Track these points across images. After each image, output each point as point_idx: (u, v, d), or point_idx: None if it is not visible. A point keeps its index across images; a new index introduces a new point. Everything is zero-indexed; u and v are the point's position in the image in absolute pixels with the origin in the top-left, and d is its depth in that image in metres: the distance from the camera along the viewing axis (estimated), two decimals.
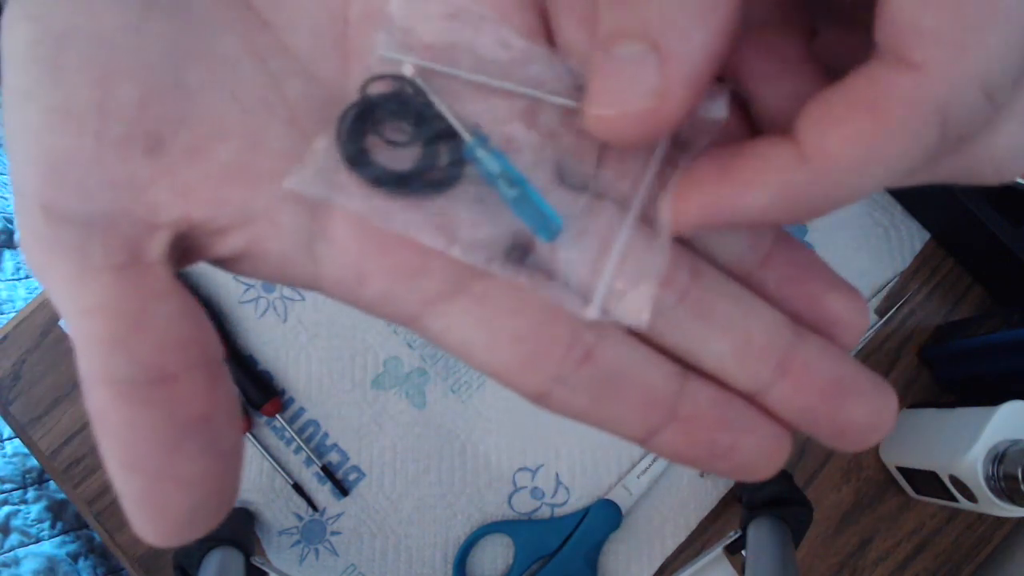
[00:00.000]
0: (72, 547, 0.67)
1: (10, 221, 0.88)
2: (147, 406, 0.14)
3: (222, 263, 0.16)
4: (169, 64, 0.15)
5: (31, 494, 0.69)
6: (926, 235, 0.56)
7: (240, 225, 0.16)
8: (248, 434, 0.54)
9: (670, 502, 0.54)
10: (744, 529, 0.47)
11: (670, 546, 0.54)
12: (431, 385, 0.55)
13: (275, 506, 0.54)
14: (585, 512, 0.53)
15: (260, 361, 0.55)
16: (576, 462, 0.54)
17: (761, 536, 0.45)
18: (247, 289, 0.55)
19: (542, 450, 0.54)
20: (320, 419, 0.54)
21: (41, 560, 0.63)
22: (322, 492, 0.54)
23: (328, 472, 0.53)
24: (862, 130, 0.13)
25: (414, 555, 0.54)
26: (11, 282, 0.85)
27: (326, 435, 0.54)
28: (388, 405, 0.54)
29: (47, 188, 0.14)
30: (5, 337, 0.54)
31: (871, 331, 0.56)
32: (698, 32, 0.13)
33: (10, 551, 0.62)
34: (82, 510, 0.54)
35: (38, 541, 0.65)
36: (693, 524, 0.54)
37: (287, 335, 0.55)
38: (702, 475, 0.54)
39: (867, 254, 0.56)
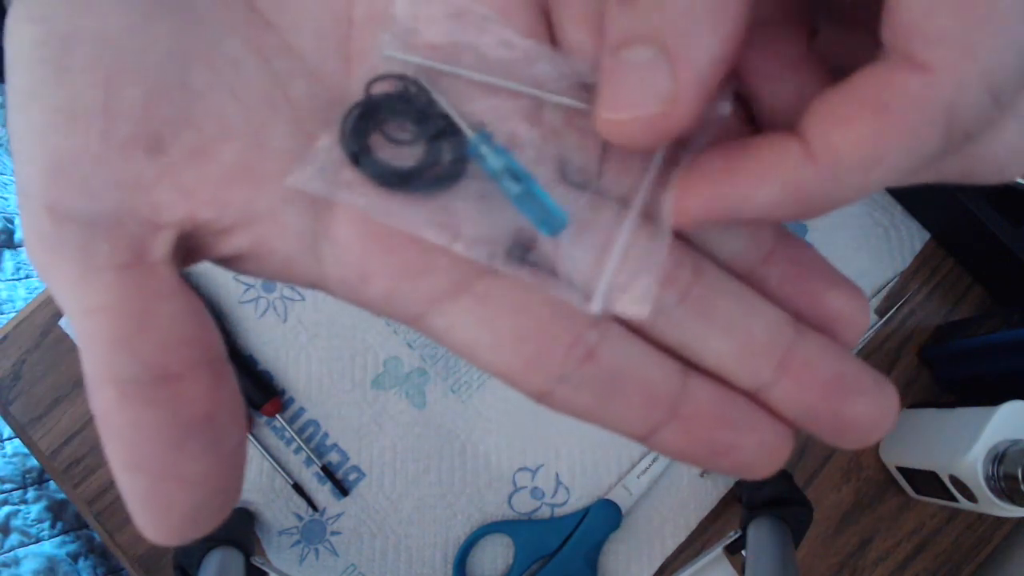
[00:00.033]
0: (72, 547, 0.67)
1: (10, 221, 0.88)
2: (151, 405, 0.14)
3: (226, 263, 0.17)
4: (173, 65, 0.15)
5: (31, 494, 0.69)
6: (926, 235, 0.57)
7: (244, 225, 0.16)
8: (248, 434, 0.54)
9: (670, 502, 0.54)
10: (744, 529, 0.47)
11: (670, 546, 0.54)
12: (431, 385, 0.55)
13: (275, 506, 0.54)
14: (585, 512, 0.53)
15: (260, 361, 0.55)
16: (576, 462, 0.54)
17: (761, 536, 0.45)
18: (247, 289, 0.55)
19: (542, 450, 0.54)
20: (320, 419, 0.54)
21: (41, 560, 0.63)
22: (322, 492, 0.54)
23: (328, 472, 0.53)
24: (870, 130, 0.13)
25: (414, 555, 0.54)
26: (11, 282, 0.85)
27: (326, 435, 0.54)
28: (388, 405, 0.55)
29: (51, 188, 0.14)
30: (5, 337, 0.54)
31: (871, 331, 0.56)
32: (709, 36, 0.13)
33: (10, 551, 0.62)
34: (82, 510, 0.54)
35: (38, 541, 0.65)
36: (693, 524, 0.54)
37: (287, 335, 0.55)
38: (702, 475, 0.54)
39: (867, 254, 0.56)
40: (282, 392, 0.54)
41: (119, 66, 0.15)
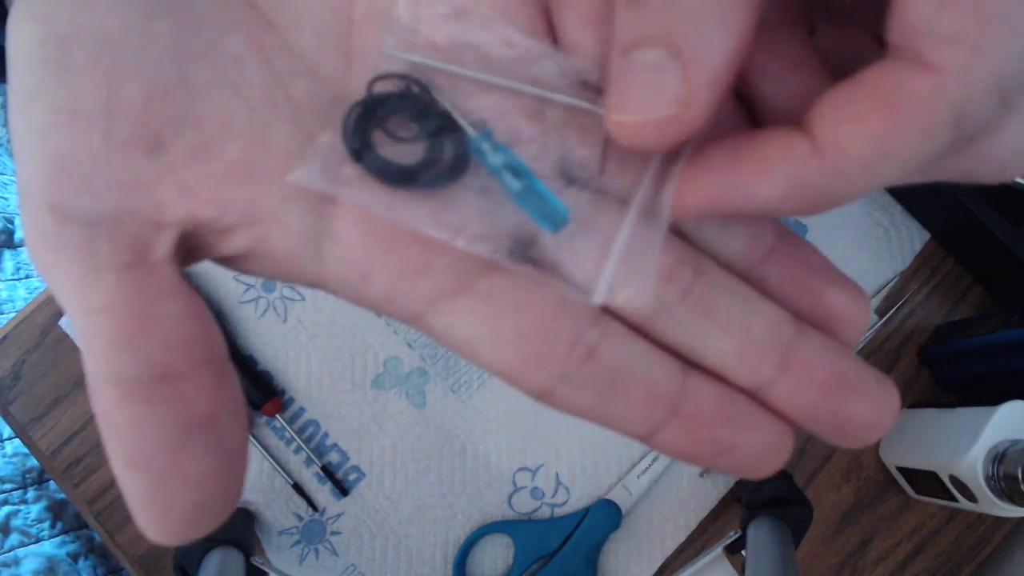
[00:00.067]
0: (72, 547, 0.67)
1: (10, 221, 0.88)
2: (153, 405, 0.14)
3: (227, 262, 0.17)
4: (174, 63, 0.15)
5: (31, 494, 0.69)
6: (926, 235, 0.57)
7: (245, 224, 0.16)
8: (248, 434, 0.54)
9: (670, 502, 0.54)
10: (744, 529, 0.47)
11: (670, 546, 0.54)
12: (431, 385, 0.55)
13: (275, 506, 0.54)
14: (585, 512, 0.53)
15: (260, 361, 0.55)
16: (576, 462, 0.54)
17: (761, 536, 0.45)
18: (247, 289, 0.55)
19: (542, 450, 0.54)
20: (320, 419, 0.54)
21: (41, 560, 0.63)
22: (322, 492, 0.54)
23: (328, 472, 0.53)
24: (878, 128, 0.13)
25: (414, 555, 0.54)
26: (11, 282, 0.85)
27: (326, 435, 0.54)
28: (388, 405, 0.55)
29: (53, 188, 0.14)
30: (5, 337, 0.54)
31: (871, 331, 0.56)
32: (720, 36, 0.13)
33: (10, 551, 0.62)
34: (82, 510, 0.54)
35: (38, 541, 0.65)
36: (693, 524, 0.54)
37: (287, 335, 0.55)
38: (702, 475, 0.54)
39: (867, 254, 0.56)
40: (282, 392, 0.54)
41: (120, 65, 0.15)
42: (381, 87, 0.17)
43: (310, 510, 0.54)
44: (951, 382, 0.55)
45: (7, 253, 0.87)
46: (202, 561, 0.45)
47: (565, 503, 0.54)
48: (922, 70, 0.12)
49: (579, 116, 0.17)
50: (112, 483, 0.53)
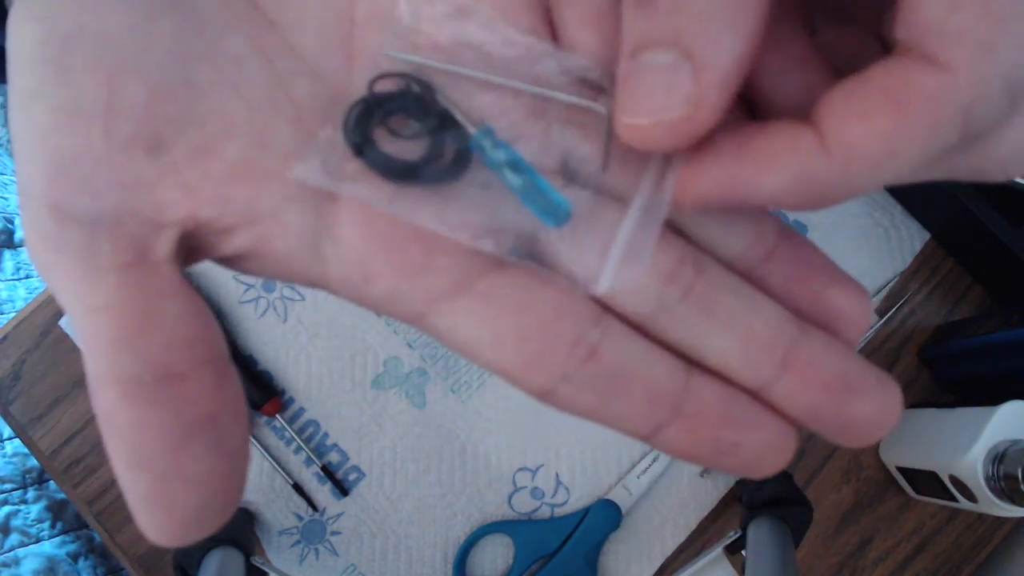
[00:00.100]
0: (72, 547, 0.67)
1: (10, 221, 0.88)
2: (154, 405, 0.14)
3: (228, 262, 0.16)
4: (176, 63, 0.15)
5: (31, 494, 0.69)
6: (926, 235, 0.57)
7: (246, 224, 0.16)
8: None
9: (670, 502, 0.54)
10: (744, 529, 0.47)
11: (670, 546, 0.54)
12: (431, 385, 0.55)
13: (275, 506, 0.54)
14: (585, 512, 0.53)
15: (260, 361, 0.55)
16: (576, 462, 0.54)
17: (761, 536, 0.45)
18: (247, 289, 0.55)
19: (542, 450, 0.54)
20: (320, 419, 0.54)
21: (41, 560, 0.63)
22: (322, 492, 0.54)
23: (328, 472, 0.53)
24: (886, 125, 0.13)
25: (414, 555, 0.54)
26: (11, 282, 0.85)
27: (326, 435, 0.54)
28: (388, 405, 0.54)
29: (54, 188, 0.14)
30: (5, 337, 0.54)
31: (871, 331, 0.56)
32: (730, 37, 0.13)
33: (10, 551, 0.62)
34: (82, 510, 0.54)
35: (38, 541, 0.65)
36: (693, 524, 0.54)
37: (287, 335, 0.55)
38: (702, 475, 0.54)
39: (867, 254, 0.56)
40: (282, 392, 0.54)
41: (121, 65, 0.15)
42: (382, 86, 0.17)
43: (310, 510, 0.54)
44: (951, 382, 0.55)
45: (7, 253, 0.87)
46: (202, 561, 0.45)
47: (565, 503, 0.54)
48: (931, 68, 0.12)
49: (580, 114, 0.17)
50: (112, 483, 0.53)
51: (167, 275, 0.15)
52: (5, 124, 1.05)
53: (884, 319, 0.56)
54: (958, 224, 0.53)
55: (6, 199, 0.92)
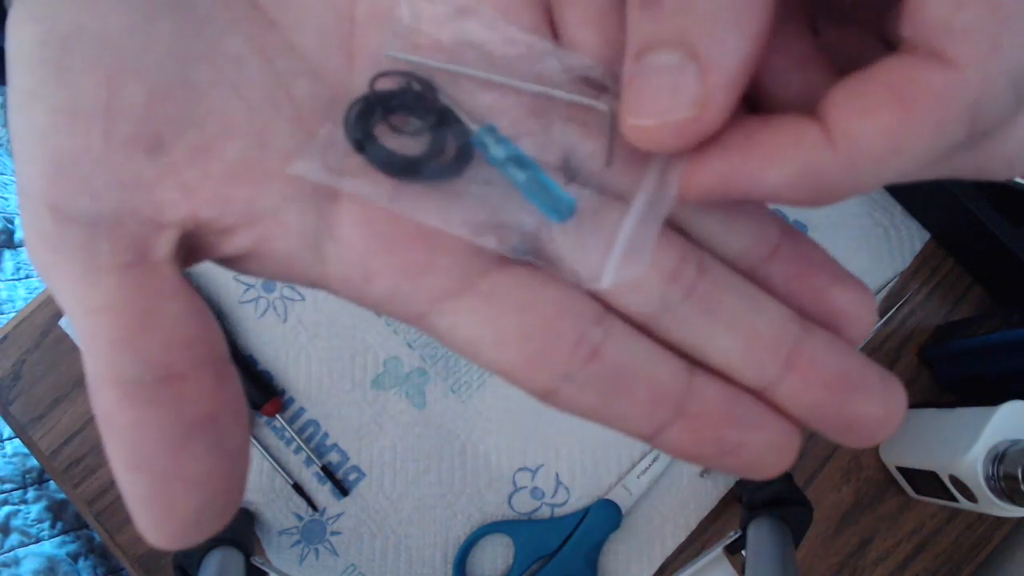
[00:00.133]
0: (72, 547, 0.67)
1: (10, 221, 0.88)
2: (154, 406, 0.14)
3: (228, 262, 0.16)
4: (176, 63, 0.15)
5: (31, 494, 0.69)
6: (926, 235, 0.57)
7: (247, 224, 0.16)
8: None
9: (670, 502, 0.54)
10: (744, 529, 0.47)
11: (670, 546, 0.54)
12: (431, 385, 0.55)
13: (275, 506, 0.54)
14: (585, 512, 0.53)
15: (260, 361, 0.55)
16: (576, 462, 0.54)
17: (761, 536, 0.45)
18: (247, 289, 0.55)
19: (542, 450, 0.54)
20: (320, 419, 0.54)
21: (41, 560, 0.63)
22: (322, 492, 0.54)
23: (328, 472, 0.53)
24: (893, 121, 0.13)
25: (414, 555, 0.54)
26: (11, 282, 0.85)
27: (326, 435, 0.54)
28: (388, 405, 0.54)
29: (53, 188, 0.14)
30: (5, 337, 0.54)
31: (871, 331, 0.56)
32: (736, 38, 0.13)
33: (10, 551, 0.62)
34: (82, 510, 0.54)
35: (38, 541, 0.65)
36: (693, 524, 0.54)
37: (287, 335, 0.55)
38: (702, 475, 0.54)
39: (867, 254, 0.56)
40: (282, 392, 0.54)
41: (120, 65, 0.15)
42: (383, 84, 0.17)
43: (310, 510, 0.54)
44: (951, 382, 0.55)
45: (7, 253, 0.87)
46: (202, 561, 0.45)
47: (565, 503, 0.54)
48: (937, 65, 0.12)
49: (582, 112, 0.17)
50: (112, 483, 0.53)
51: (167, 275, 0.15)
52: (5, 124, 1.05)
53: (884, 319, 0.56)
54: (958, 224, 0.53)
55: (6, 199, 0.91)
